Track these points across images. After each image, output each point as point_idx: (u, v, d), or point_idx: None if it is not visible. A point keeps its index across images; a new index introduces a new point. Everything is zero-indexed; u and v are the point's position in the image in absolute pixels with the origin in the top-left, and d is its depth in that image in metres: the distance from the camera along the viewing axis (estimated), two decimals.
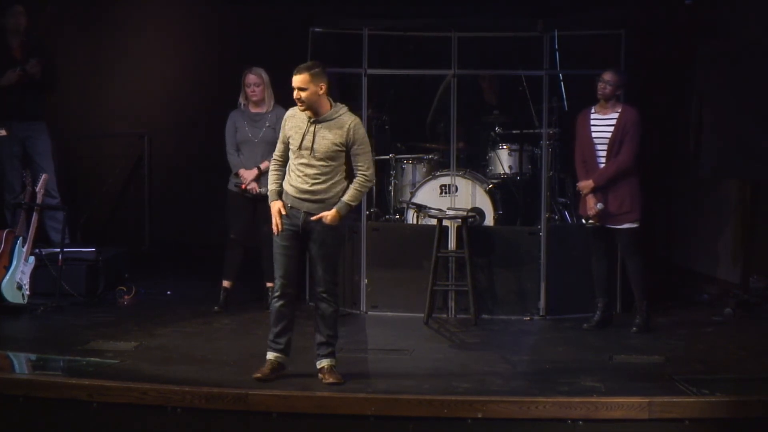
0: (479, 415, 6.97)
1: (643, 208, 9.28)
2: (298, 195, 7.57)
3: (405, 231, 10.14)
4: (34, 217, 9.88)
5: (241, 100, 9.86)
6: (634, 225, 9.22)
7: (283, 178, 7.68)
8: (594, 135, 9.27)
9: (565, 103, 10.40)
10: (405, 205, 10.26)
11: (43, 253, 10.03)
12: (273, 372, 7.63)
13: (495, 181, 10.31)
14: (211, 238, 10.26)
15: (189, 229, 12.37)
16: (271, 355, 7.68)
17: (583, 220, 9.38)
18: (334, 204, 7.56)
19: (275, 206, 7.62)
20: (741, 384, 7.80)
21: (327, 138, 7.51)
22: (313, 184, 7.54)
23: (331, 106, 7.57)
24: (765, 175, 9.90)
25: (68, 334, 8.99)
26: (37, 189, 9.90)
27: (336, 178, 7.57)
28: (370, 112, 10.30)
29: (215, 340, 8.88)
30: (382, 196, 10.61)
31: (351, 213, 9.94)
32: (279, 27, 12.11)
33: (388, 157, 10.49)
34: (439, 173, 10.22)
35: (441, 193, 10.12)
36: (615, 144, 9.19)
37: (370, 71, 10.03)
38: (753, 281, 10.22)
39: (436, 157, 10.48)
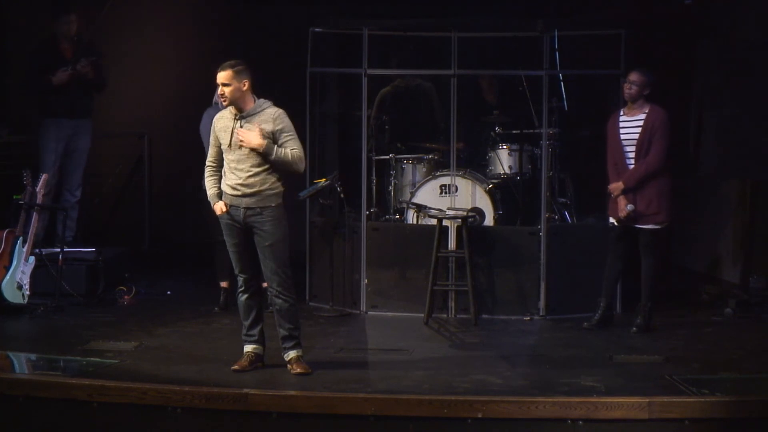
0: (479, 415, 6.97)
1: (671, 210, 9.22)
2: (235, 192, 7.76)
3: (405, 231, 10.13)
4: (34, 217, 9.87)
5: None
6: (658, 226, 9.19)
7: (219, 182, 7.88)
8: (622, 137, 9.20)
9: (565, 103, 10.40)
10: (405, 205, 10.26)
11: (43, 253, 10.03)
12: (251, 364, 7.87)
13: (495, 181, 10.31)
14: (211, 238, 10.23)
15: (189, 229, 12.35)
16: (247, 348, 7.91)
17: (612, 221, 9.34)
18: (271, 196, 7.73)
19: (217, 207, 7.83)
20: (741, 384, 7.80)
21: (254, 130, 7.67)
22: (248, 177, 7.72)
23: (254, 102, 7.78)
24: (765, 175, 9.90)
25: (68, 334, 8.99)
26: (37, 189, 9.90)
27: (270, 171, 7.73)
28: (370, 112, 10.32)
29: (215, 340, 8.88)
30: (382, 196, 10.61)
31: (350, 215, 9.97)
32: (279, 27, 12.10)
33: (388, 157, 10.49)
34: (439, 173, 10.21)
35: (441, 193, 10.12)
36: (643, 145, 9.13)
37: (370, 71, 10.03)
38: (753, 281, 10.22)
39: (436, 157, 10.48)
